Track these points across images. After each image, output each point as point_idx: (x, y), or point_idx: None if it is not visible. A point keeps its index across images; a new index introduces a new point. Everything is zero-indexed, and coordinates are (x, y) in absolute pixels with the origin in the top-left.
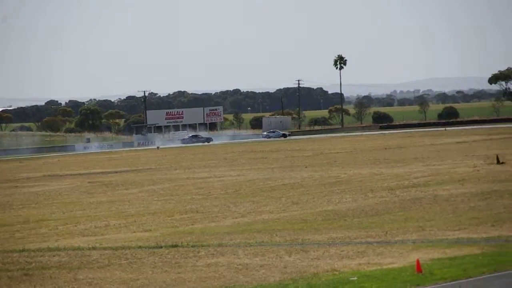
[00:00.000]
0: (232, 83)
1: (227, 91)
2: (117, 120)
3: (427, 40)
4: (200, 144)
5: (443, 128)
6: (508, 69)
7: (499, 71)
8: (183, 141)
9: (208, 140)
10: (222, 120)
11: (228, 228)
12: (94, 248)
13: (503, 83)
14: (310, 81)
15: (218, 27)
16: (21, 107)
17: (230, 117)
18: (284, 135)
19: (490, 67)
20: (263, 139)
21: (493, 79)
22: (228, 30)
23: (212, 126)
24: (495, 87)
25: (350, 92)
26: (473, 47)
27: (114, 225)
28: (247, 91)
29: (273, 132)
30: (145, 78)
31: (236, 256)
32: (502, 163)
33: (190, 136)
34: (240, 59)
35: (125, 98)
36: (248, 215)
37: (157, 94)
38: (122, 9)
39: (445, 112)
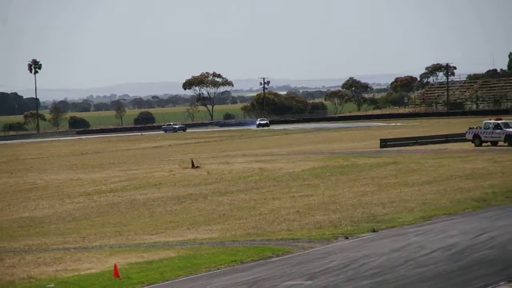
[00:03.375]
0: None
1: None
2: None
3: (121, 47)
4: None
5: (140, 133)
6: (202, 75)
7: (192, 76)
8: None
9: None
10: None
11: None
12: None
13: (197, 88)
14: (5, 86)
15: None
16: None
17: None
18: None
19: (185, 73)
20: None
21: (187, 85)
22: None
23: None
24: (189, 92)
25: (47, 97)
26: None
27: None
28: None
29: None
30: None
31: None
32: (197, 167)
33: None
34: None
35: None
36: None
37: None
38: None
39: (141, 117)
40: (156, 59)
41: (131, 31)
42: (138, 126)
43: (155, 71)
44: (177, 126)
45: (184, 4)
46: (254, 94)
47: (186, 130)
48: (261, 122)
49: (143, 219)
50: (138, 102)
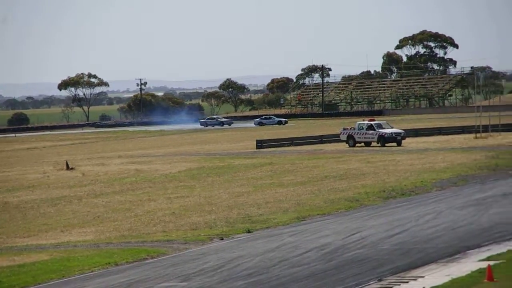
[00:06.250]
0: None
1: None
2: None
3: None
4: None
5: (13, 135)
6: (77, 75)
7: (68, 77)
8: None
9: None
10: None
11: None
12: None
13: (73, 89)
14: None
15: None
16: None
17: None
18: None
19: (60, 73)
20: None
21: (62, 85)
22: None
23: None
24: (65, 93)
25: None
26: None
27: None
28: None
29: None
30: None
31: None
32: (72, 168)
33: None
34: None
35: None
36: None
37: None
38: None
39: (15, 118)
40: (31, 59)
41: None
42: (12, 127)
43: (30, 72)
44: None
45: (58, 4)
46: (131, 95)
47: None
48: (222, 120)
49: (15, 222)
50: (12, 103)
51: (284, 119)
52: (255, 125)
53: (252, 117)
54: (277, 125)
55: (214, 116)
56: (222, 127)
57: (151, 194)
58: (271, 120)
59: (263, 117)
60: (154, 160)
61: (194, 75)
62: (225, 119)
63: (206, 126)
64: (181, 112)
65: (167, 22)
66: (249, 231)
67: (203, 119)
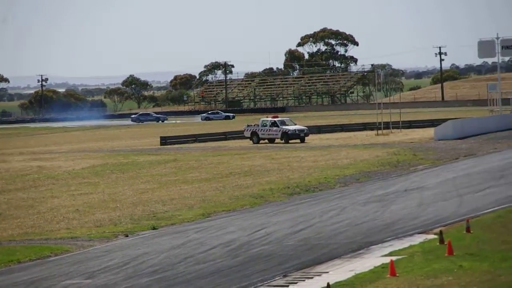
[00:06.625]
0: None
1: None
2: None
3: None
4: None
5: None
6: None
7: None
8: None
9: None
10: None
11: None
12: None
13: None
14: None
15: None
16: None
17: None
18: None
19: None
20: None
21: None
22: None
23: None
24: None
25: None
26: None
27: None
28: None
29: None
30: None
31: None
32: None
33: None
34: None
35: None
36: None
37: None
38: None
39: None
40: None
41: None
42: None
43: None
44: None
45: None
46: (32, 91)
47: None
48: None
49: None
50: None
51: (231, 114)
52: (202, 120)
53: (176, 113)
54: (225, 120)
55: (148, 112)
56: (158, 122)
57: (54, 191)
58: (218, 115)
59: (210, 112)
60: (57, 156)
61: (96, 72)
62: (160, 115)
63: (139, 122)
64: (84, 109)
65: (67, 18)
66: (154, 228)
67: (135, 114)
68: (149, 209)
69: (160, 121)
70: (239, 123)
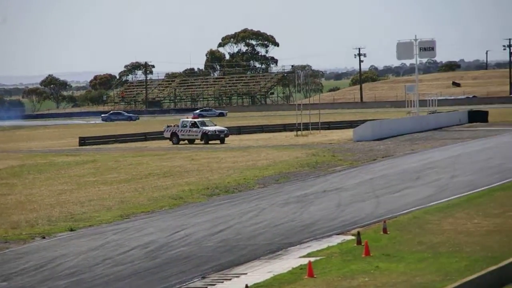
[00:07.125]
0: None
1: None
2: None
3: None
4: None
5: None
6: None
7: None
8: None
9: None
10: None
11: None
12: None
13: None
14: None
15: None
16: None
17: None
18: None
19: None
20: None
21: None
22: None
23: None
24: None
25: None
26: None
27: None
28: None
29: None
30: None
31: None
32: None
33: None
34: None
35: None
36: None
37: None
38: None
39: None
40: None
41: None
42: None
43: None
44: None
45: None
46: None
47: None
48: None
49: None
50: None
51: (225, 111)
52: (103, 120)
53: (76, 114)
54: (218, 116)
55: (120, 111)
56: (129, 121)
57: None
58: (211, 112)
59: (202, 109)
60: None
61: (14, 71)
62: (132, 114)
63: (111, 121)
64: (1, 109)
65: None
66: (72, 230)
67: (106, 113)
68: (67, 210)
69: (132, 120)
70: (159, 124)
